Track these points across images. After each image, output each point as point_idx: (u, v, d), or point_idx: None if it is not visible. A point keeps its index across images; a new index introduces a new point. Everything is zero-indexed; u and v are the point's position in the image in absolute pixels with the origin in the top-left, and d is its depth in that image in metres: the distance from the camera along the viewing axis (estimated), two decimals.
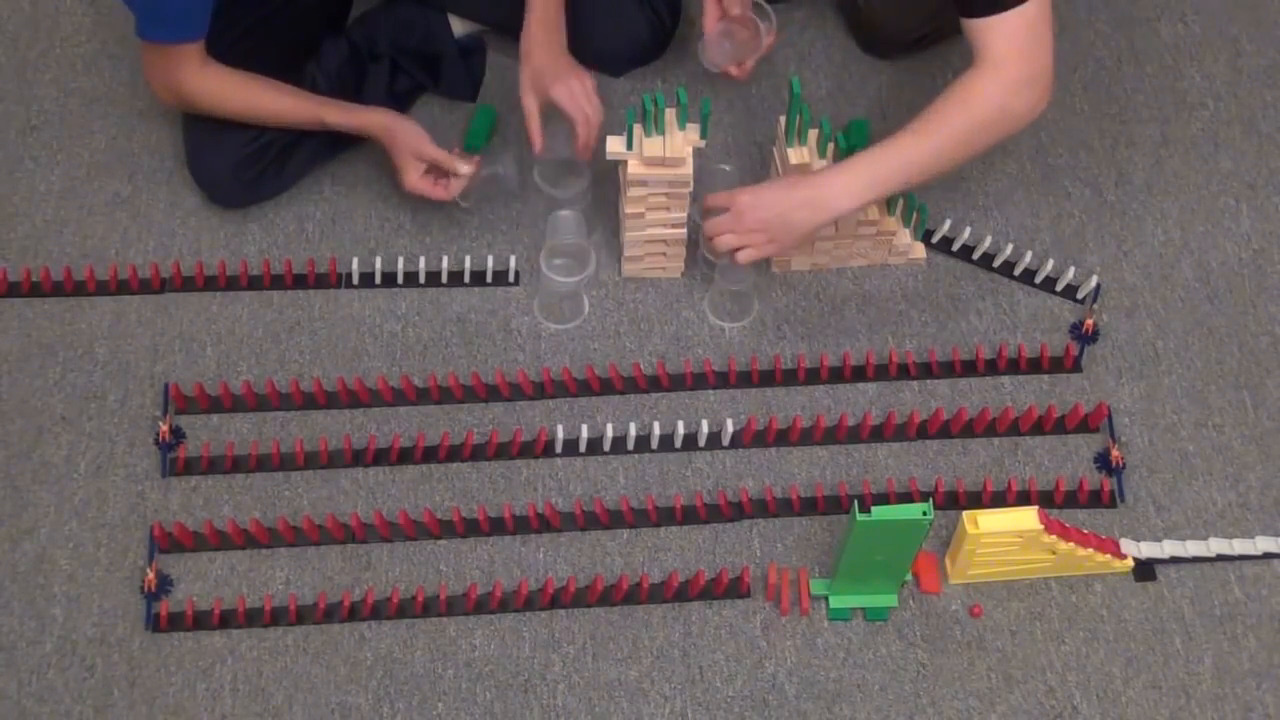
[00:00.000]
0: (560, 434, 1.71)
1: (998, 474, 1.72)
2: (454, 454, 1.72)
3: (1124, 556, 1.64)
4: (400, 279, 1.87)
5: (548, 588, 1.61)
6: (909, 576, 1.62)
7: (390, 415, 1.76)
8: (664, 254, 1.85)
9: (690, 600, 1.62)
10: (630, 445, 1.73)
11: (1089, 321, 1.83)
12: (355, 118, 1.81)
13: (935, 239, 1.91)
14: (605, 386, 1.78)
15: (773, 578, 1.62)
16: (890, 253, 1.89)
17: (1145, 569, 1.65)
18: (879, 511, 1.45)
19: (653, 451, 1.74)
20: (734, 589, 1.62)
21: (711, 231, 1.70)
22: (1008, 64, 1.59)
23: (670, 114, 1.74)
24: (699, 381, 1.79)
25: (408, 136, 1.78)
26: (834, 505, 1.69)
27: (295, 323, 1.84)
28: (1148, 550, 1.66)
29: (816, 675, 1.58)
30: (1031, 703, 1.56)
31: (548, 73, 1.78)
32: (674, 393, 1.79)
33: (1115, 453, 1.71)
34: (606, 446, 1.73)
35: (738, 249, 1.68)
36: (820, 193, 1.64)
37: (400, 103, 1.97)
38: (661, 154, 1.71)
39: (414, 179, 1.79)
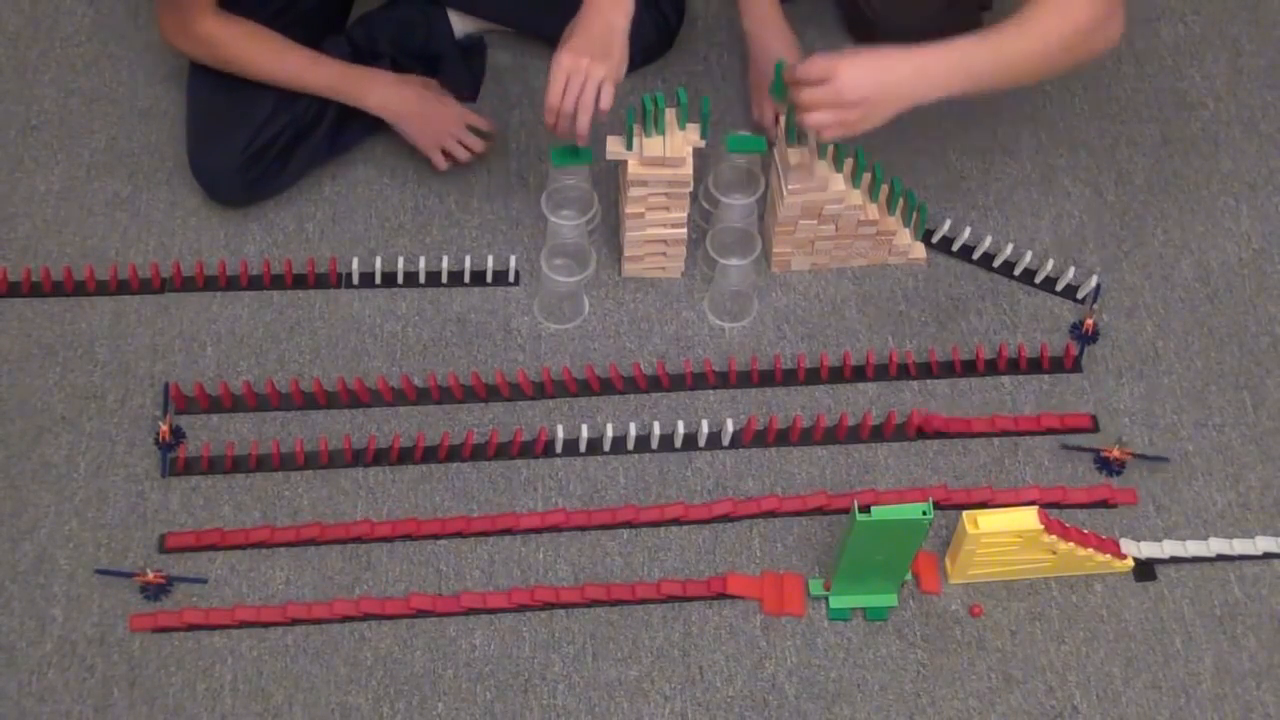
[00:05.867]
0: (560, 434, 1.71)
1: (998, 474, 1.72)
2: (454, 454, 1.72)
3: (1124, 556, 1.64)
4: (400, 279, 1.87)
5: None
6: (909, 576, 1.62)
7: (390, 415, 1.76)
8: (664, 254, 1.85)
9: (690, 600, 1.62)
10: (630, 445, 1.73)
11: (1089, 321, 1.83)
12: (370, 73, 1.88)
13: (935, 239, 1.91)
14: (605, 386, 1.78)
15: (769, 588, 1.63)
16: (890, 253, 1.89)
17: (1145, 569, 1.65)
18: (879, 511, 1.45)
19: (653, 451, 1.73)
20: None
21: (808, 104, 1.58)
22: None
23: (670, 114, 1.74)
24: (699, 381, 1.79)
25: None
26: (834, 505, 1.69)
27: (295, 323, 1.84)
28: (1148, 550, 1.66)
29: (816, 675, 1.58)
30: (1031, 703, 1.56)
31: (570, 38, 1.66)
32: (674, 393, 1.79)
33: (1115, 452, 1.71)
34: (606, 446, 1.73)
35: (830, 126, 1.58)
36: (925, 72, 1.58)
37: None
38: (661, 154, 1.71)
39: (462, 112, 1.89)
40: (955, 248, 1.91)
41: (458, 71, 2.01)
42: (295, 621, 1.60)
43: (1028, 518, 1.53)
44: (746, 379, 1.79)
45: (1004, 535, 1.54)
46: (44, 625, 1.60)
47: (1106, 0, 1.61)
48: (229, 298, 1.86)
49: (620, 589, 1.62)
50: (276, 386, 1.77)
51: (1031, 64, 1.62)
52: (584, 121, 1.66)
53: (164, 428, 1.71)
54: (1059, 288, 1.88)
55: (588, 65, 1.63)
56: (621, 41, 1.66)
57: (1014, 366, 1.81)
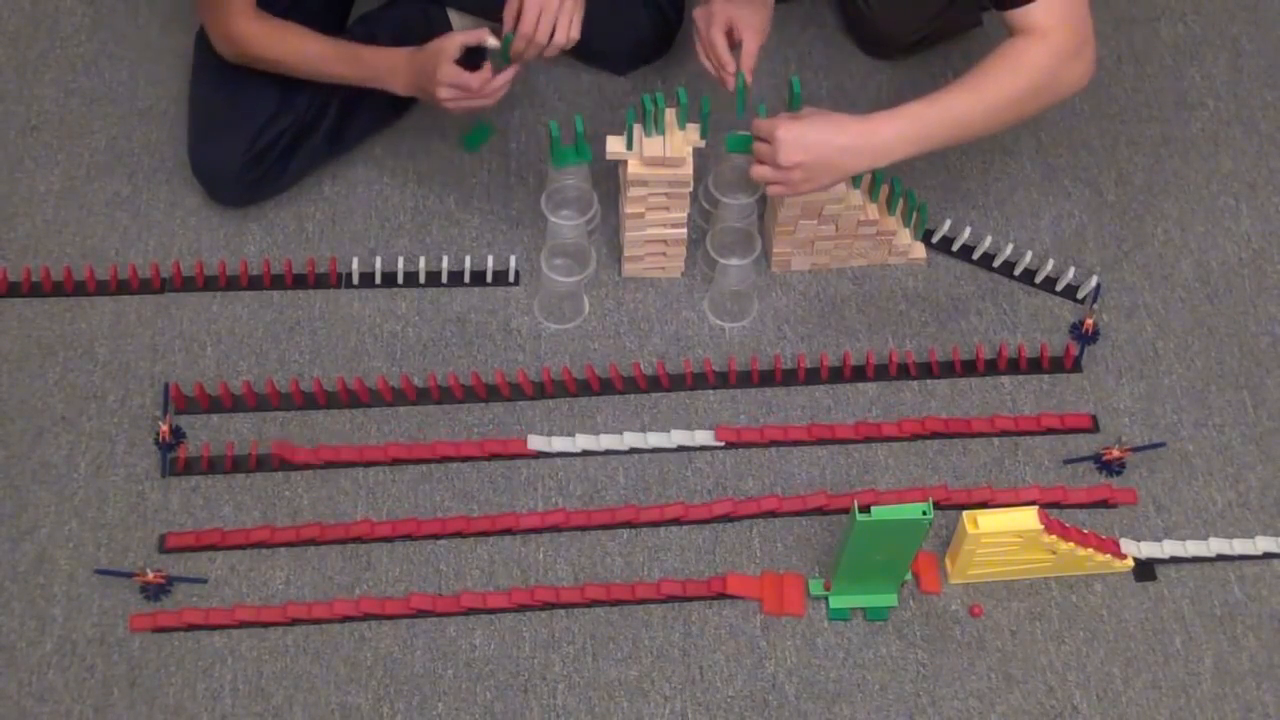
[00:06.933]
0: (560, 434, 1.71)
1: (998, 474, 1.72)
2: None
3: (1124, 556, 1.64)
4: (400, 279, 1.87)
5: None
6: (909, 576, 1.62)
7: (390, 415, 1.76)
8: (664, 254, 1.85)
9: (690, 600, 1.62)
10: (629, 445, 1.73)
11: (1089, 321, 1.83)
12: (386, 53, 1.81)
13: (935, 239, 1.91)
14: (605, 386, 1.78)
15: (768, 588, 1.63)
16: (890, 253, 1.89)
17: (1145, 569, 1.65)
18: (879, 511, 1.45)
19: (652, 451, 1.73)
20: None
21: (756, 158, 1.64)
22: (1055, 33, 1.56)
23: (670, 114, 1.74)
24: (699, 381, 1.79)
25: (437, 41, 1.73)
26: (834, 505, 1.69)
27: (295, 323, 1.84)
28: (1148, 550, 1.66)
29: (816, 675, 1.58)
30: (1031, 703, 1.56)
31: None
32: (674, 393, 1.79)
33: (1115, 452, 1.71)
34: (606, 447, 1.73)
35: (772, 183, 1.63)
36: (868, 141, 1.59)
37: (400, 101, 1.96)
38: (661, 154, 1.71)
39: (445, 75, 1.71)
40: (955, 248, 1.91)
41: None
42: (295, 621, 1.60)
43: (1028, 518, 1.53)
44: (746, 379, 1.79)
45: (1004, 535, 1.54)
46: (44, 625, 1.60)
47: (1070, 42, 1.57)
48: (229, 298, 1.86)
49: (620, 589, 1.62)
50: (276, 386, 1.77)
51: (989, 121, 1.61)
52: (554, 49, 1.69)
53: (164, 428, 1.71)
54: (1059, 288, 1.88)
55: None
56: None
57: (1014, 366, 1.81)
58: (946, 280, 1.89)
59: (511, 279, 1.88)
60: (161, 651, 1.58)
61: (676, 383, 1.79)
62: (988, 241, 1.90)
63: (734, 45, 1.72)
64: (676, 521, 1.68)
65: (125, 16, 2.16)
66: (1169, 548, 1.66)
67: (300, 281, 1.87)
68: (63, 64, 2.11)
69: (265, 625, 1.60)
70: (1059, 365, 1.81)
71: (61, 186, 1.97)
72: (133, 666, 1.57)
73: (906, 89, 2.07)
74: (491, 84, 1.72)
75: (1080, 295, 1.87)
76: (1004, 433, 1.75)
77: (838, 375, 1.80)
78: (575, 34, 1.70)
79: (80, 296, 1.85)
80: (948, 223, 1.92)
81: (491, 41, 1.73)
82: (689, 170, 1.73)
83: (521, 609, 1.62)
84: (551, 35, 1.70)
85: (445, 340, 1.83)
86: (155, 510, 1.68)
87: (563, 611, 1.62)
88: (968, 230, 1.91)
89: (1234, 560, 1.66)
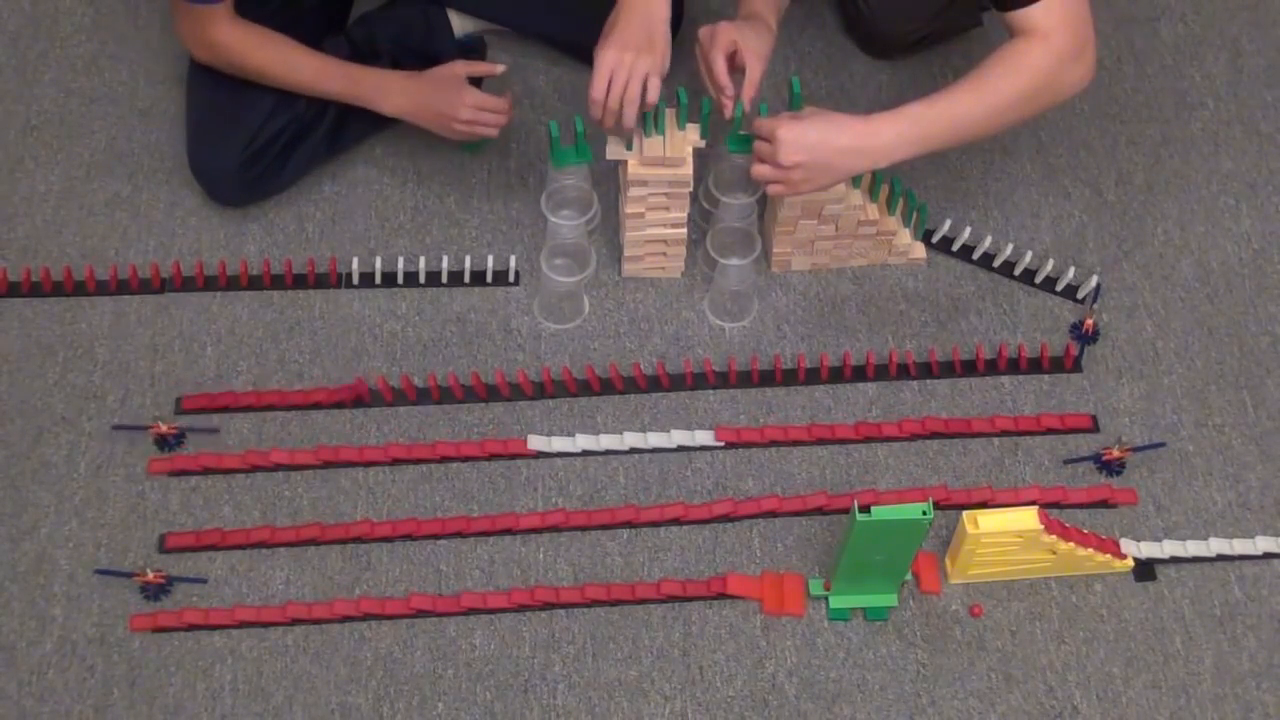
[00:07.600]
0: (559, 434, 1.71)
1: (998, 474, 1.72)
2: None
3: (1124, 556, 1.64)
4: (400, 279, 1.87)
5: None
6: (909, 576, 1.62)
7: (390, 415, 1.76)
8: (664, 254, 1.85)
9: (690, 600, 1.62)
10: (629, 445, 1.73)
11: (1089, 321, 1.83)
12: (375, 73, 1.83)
13: (935, 239, 1.91)
14: (605, 386, 1.78)
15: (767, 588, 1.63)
16: (890, 253, 1.89)
17: (1145, 569, 1.65)
18: (879, 511, 1.45)
19: (652, 451, 1.73)
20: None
21: (756, 156, 1.64)
22: (1055, 35, 1.57)
23: (670, 114, 1.74)
24: (699, 381, 1.79)
25: (443, 68, 1.80)
26: (834, 505, 1.69)
27: (295, 323, 1.84)
28: (1148, 550, 1.66)
29: (816, 675, 1.58)
30: (1031, 703, 1.56)
31: (611, 32, 1.65)
32: (674, 393, 1.79)
33: (1115, 452, 1.71)
34: (606, 447, 1.73)
35: (772, 183, 1.63)
36: (868, 142, 1.59)
37: None
38: (661, 154, 1.71)
39: (471, 99, 1.78)
40: (955, 248, 1.91)
41: None
42: (295, 621, 1.60)
43: (1028, 518, 1.53)
44: (746, 379, 1.80)
45: (1004, 535, 1.54)
46: (44, 625, 1.60)
47: (1070, 44, 1.57)
48: (229, 298, 1.86)
49: (620, 589, 1.62)
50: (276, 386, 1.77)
51: (989, 122, 1.61)
52: (630, 116, 1.66)
53: (163, 427, 1.70)
54: (1059, 288, 1.88)
55: (632, 60, 1.63)
56: (664, 31, 1.65)
57: (1014, 366, 1.81)
58: (946, 280, 1.89)
59: (511, 279, 1.88)
60: (161, 651, 1.58)
61: (676, 383, 1.79)
62: (988, 241, 1.90)
63: (735, 69, 1.72)
64: (676, 521, 1.68)
65: (125, 16, 2.16)
66: (1169, 548, 1.66)
67: (300, 281, 1.87)
68: (63, 64, 2.11)
69: (265, 625, 1.60)
70: (1059, 365, 1.81)
71: (61, 186, 1.97)
72: (133, 666, 1.57)
73: (906, 89, 2.07)
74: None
75: (1080, 295, 1.87)
76: (1004, 433, 1.75)
77: (838, 375, 1.80)
78: (652, 98, 1.66)
79: (80, 296, 1.85)
80: (948, 223, 1.92)
81: (500, 69, 1.84)
82: (689, 170, 1.73)
83: (521, 609, 1.62)
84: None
85: (445, 340, 1.83)
86: (155, 510, 1.68)
87: (563, 611, 1.62)
88: (968, 230, 1.91)
89: (1234, 560, 1.66)
